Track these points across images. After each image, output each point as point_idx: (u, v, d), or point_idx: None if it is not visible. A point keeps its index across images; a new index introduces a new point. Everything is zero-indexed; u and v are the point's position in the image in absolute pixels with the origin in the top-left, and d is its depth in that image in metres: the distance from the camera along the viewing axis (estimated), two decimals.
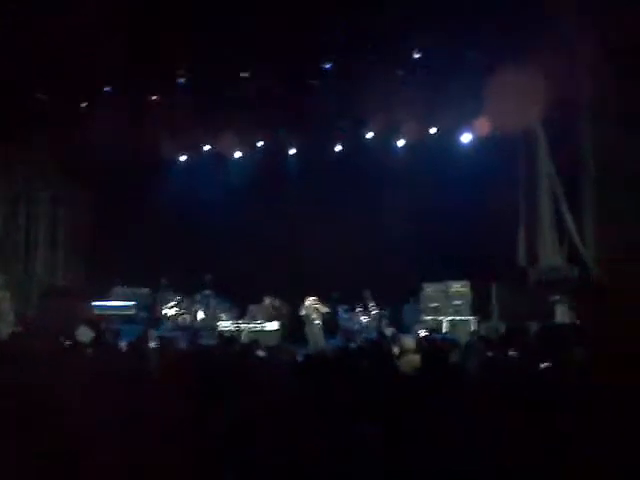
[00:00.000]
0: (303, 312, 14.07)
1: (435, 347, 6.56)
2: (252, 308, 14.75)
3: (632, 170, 10.97)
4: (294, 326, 14.51)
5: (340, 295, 14.80)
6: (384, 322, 14.11)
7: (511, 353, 7.95)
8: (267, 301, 14.83)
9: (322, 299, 14.23)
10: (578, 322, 11.61)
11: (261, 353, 7.69)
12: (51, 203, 16.06)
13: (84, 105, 13.92)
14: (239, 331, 13.76)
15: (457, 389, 4.68)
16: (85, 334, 9.90)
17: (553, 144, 12.70)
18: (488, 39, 11.26)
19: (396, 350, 7.73)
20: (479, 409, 4.15)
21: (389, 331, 12.57)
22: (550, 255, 12.98)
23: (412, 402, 4.34)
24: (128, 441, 3.94)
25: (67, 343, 8.11)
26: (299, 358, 6.51)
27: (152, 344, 8.74)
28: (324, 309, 14.15)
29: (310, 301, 14.03)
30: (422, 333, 11.41)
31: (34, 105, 13.46)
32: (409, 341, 8.11)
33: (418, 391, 4.65)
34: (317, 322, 13.95)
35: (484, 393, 4.69)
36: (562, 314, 12.05)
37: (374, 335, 12.41)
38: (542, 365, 6.16)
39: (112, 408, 4.28)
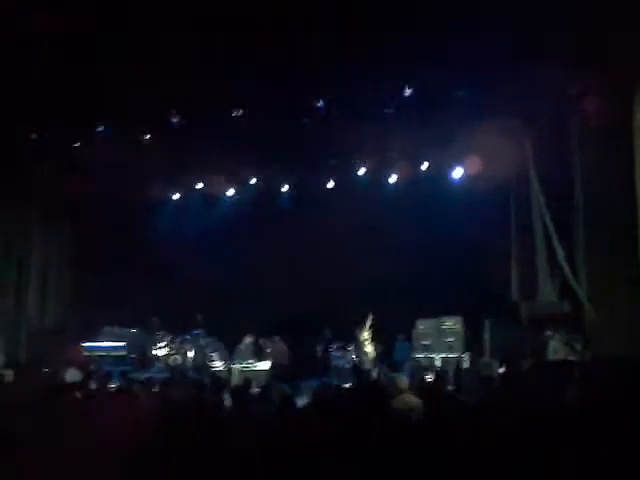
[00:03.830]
0: (361, 338, 13.98)
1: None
2: (241, 347, 14.59)
3: (621, 204, 11.04)
4: (283, 365, 14.35)
5: (332, 333, 14.75)
6: (376, 360, 13.97)
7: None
8: (249, 340, 14.67)
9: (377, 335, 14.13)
10: (571, 358, 11.57)
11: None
12: (42, 243, 15.97)
13: (77, 144, 13.90)
14: (230, 371, 13.60)
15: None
16: (74, 376, 9.81)
17: (544, 179, 12.75)
18: (478, 78, 11.34)
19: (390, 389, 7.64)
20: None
21: (381, 370, 12.48)
22: (543, 290, 12.95)
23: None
24: None
25: (56, 385, 8.03)
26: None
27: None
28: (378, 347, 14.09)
29: (367, 333, 13.95)
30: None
31: (28, 144, 13.45)
32: (403, 381, 8.03)
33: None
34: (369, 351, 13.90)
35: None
36: (555, 350, 11.97)
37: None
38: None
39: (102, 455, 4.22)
